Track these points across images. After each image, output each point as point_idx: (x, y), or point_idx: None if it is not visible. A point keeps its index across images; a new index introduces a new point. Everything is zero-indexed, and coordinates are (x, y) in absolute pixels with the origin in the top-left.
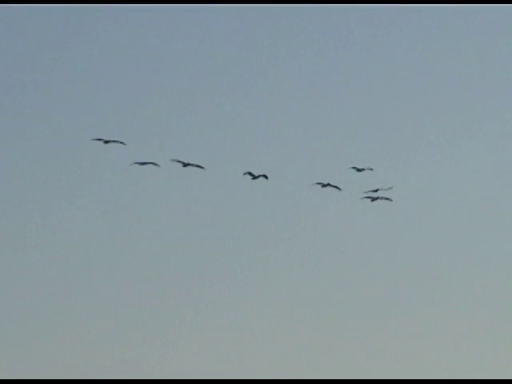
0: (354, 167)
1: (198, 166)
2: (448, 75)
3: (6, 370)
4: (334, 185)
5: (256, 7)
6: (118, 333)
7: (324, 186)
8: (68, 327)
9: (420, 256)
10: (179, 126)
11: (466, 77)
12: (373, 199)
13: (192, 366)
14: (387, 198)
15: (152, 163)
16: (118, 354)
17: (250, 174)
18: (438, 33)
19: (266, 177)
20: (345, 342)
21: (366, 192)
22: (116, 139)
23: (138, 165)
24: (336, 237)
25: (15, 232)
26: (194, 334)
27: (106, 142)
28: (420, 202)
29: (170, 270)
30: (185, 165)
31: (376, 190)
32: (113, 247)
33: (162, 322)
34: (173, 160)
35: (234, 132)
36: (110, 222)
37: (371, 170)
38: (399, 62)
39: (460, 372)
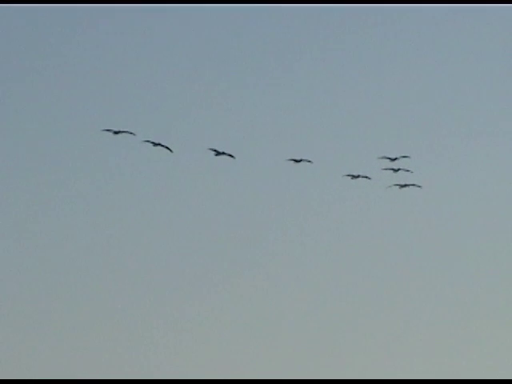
0: (385, 157)
1: (230, 156)
2: (479, 63)
3: (6, 370)
4: (364, 175)
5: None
6: (117, 333)
7: (354, 177)
8: (68, 327)
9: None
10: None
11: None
12: (401, 186)
13: (192, 366)
14: (416, 185)
15: (166, 147)
16: (118, 354)
17: (293, 159)
18: (457, 26)
19: (309, 161)
20: (352, 337)
21: (385, 169)
22: (126, 130)
23: (150, 145)
24: (362, 224)
25: (15, 225)
26: (194, 334)
27: (116, 132)
28: (450, 195)
29: (177, 266)
30: (218, 153)
31: (397, 170)
32: (115, 245)
33: (162, 322)
34: (209, 149)
35: (263, 123)
36: (113, 220)
37: (407, 157)
38: (432, 52)
39: (460, 372)
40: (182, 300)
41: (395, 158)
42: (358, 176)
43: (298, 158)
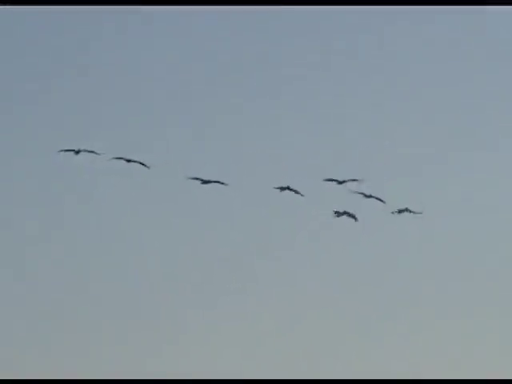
0: (331, 179)
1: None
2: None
3: (6, 370)
4: (351, 213)
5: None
6: (118, 333)
7: (340, 214)
8: (68, 327)
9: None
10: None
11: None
12: (400, 211)
13: (192, 366)
14: (416, 212)
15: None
16: (118, 354)
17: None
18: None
19: (292, 189)
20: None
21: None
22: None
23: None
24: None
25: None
26: (194, 334)
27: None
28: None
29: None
30: (205, 182)
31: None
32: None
33: (162, 322)
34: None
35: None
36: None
37: (355, 180)
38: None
39: (460, 372)
40: (182, 301)
41: (343, 181)
42: (345, 212)
43: (284, 186)
